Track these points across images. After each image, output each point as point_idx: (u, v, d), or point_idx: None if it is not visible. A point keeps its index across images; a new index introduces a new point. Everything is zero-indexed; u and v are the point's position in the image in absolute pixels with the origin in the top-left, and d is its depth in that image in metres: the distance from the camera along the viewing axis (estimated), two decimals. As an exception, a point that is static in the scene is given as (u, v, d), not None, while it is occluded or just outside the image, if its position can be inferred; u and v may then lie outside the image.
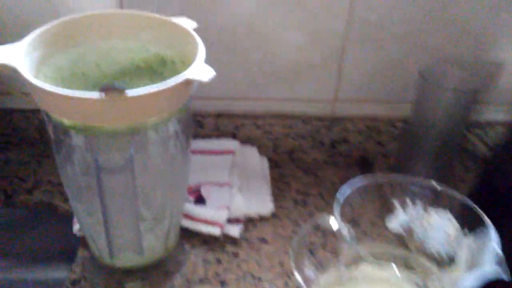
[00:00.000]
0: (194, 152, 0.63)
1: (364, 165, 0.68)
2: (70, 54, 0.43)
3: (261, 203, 0.58)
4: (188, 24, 0.43)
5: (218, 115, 0.66)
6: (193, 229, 0.54)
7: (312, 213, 0.59)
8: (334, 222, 0.36)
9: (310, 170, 0.66)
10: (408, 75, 0.63)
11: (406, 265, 0.41)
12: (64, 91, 0.34)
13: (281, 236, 0.55)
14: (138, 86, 0.36)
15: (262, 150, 0.66)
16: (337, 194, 0.38)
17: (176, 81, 0.35)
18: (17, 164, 0.65)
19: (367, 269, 0.41)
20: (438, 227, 0.38)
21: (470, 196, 0.50)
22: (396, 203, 0.40)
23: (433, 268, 0.39)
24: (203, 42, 0.41)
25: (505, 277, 0.31)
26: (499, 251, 0.32)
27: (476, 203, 0.50)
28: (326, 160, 0.68)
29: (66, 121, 0.36)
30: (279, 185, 0.63)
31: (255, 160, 0.64)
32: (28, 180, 0.62)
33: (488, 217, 0.44)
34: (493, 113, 0.66)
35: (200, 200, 0.57)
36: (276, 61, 0.63)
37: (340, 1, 0.59)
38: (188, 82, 0.36)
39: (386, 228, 0.41)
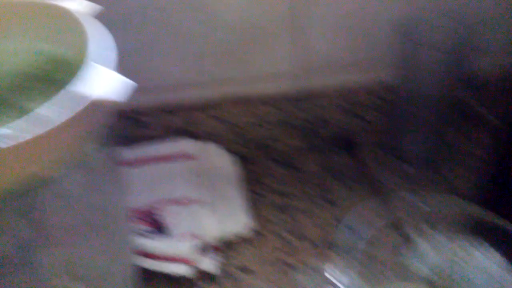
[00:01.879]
0: (139, 162, 0.50)
1: (348, 147, 0.57)
2: None
3: (237, 219, 0.46)
4: (86, 7, 0.28)
5: (165, 110, 0.53)
6: (153, 270, 0.42)
7: (297, 221, 0.48)
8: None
9: (287, 161, 0.55)
10: (385, 30, 0.51)
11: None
12: None
13: (267, 261, 0.44)
14: (30, 107, 0.22)
15: (227, 147, 0.54)
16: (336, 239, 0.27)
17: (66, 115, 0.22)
18: None
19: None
20: (479, 266, 0.28)
21: (484, 178, 0.40)
22: (414, 234, 0.29)
23: None
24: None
25: None
26: None
27: (494, 191, 0.40)
28: (303, 146, 0.57)
29: None
30: (255, 188, 0.51)
31: (223, 162, 0.52)
32: None
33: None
34: (491, 67, 0.56)
35: (156, 228, 0.45)
36: (219, 33, 0.50)
37: None
38: (90, 110, 0.23)
39: (406, 268, 0.30)
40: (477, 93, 0.56)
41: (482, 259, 0.28)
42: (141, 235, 0.43)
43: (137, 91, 0.25)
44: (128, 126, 0.53)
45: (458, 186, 0.50)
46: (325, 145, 0.57)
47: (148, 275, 0.42)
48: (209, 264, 0.42)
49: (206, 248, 0.43)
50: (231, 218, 0.46)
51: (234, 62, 0.52)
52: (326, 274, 0.27)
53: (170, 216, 0.45)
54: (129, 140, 0.52)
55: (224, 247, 0.45)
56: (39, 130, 0.21)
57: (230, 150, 0.53)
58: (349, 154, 0.56)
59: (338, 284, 0.27)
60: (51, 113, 0.22)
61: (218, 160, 0.51)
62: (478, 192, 0.44)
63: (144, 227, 0.44)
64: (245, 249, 0.45)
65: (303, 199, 0.50)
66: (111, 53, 0.26)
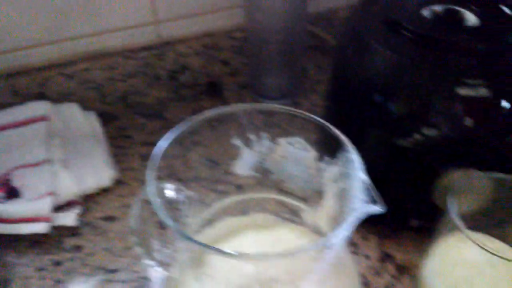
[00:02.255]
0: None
1: (213, 91, 0.58)
2: None
3: (97, 173, 0.45)
4: None
5: (11, 74, 0.50)
6: (11, 233, 0.40)
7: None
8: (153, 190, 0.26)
9: (154, 113, 0.55)
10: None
11: (275, 210, 0.33)
12: None
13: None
14: None
15: (85, 105, 0.52)
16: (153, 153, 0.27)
17: None
18: None
19: (231, 223, 0.32)
20: (294, 159, 0.30)
21: (327, 98, 0.44)
22: (238, 143, 0.31)
23: (303, 207, 0.32)
24: None
25: (378, 209, 0.24)
26: (365, 178, 0.25)
27: (332, 107, 0.43)
28: (169, 96, 0.56)
29: None
30: (120, 142, 0.51)
31: (78, 120, 0.50)
32: None
33: (346, 121, 0.38)
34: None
35: (12, 193, 0.43)
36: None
37: None
38: None
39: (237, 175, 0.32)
40: (325, 24, 0.59)
41: (297, 152, 0.30)
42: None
43: None
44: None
45: (314, 112, 0.53)
46: (190, 92, 0.57)
47: (6, 239, 0.40)
48: (67, 218, 0.41)
49: (63, 204, 0.42)
50: (91, 173, 0.45)
51: (85, 15, 0.50)
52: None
53: (25, 180, 0.43)
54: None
55: (85, 200, 0.44)
56: None
57: (89, 108, 0.52)
58: (215, 98, 0.57)
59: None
60: None
61: (74, 119, 0.50)
62: (327, 113, 0.47)
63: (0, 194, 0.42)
64: (107, 199, 0.44)
65: (170, 146, 0.51)
66: None
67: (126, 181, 0.46)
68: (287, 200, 0.32)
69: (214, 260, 0.27)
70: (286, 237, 0.32)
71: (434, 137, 0.34)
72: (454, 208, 0.28)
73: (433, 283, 0.30)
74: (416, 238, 0.38)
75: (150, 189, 0.26)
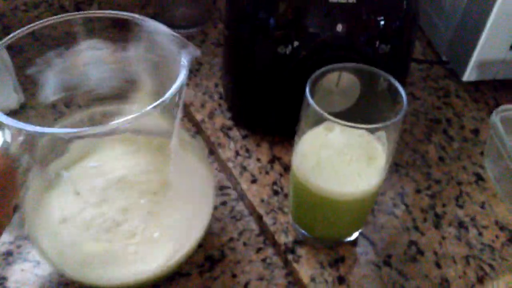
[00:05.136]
0: None
1: (125, 25, 0.59)
2: None
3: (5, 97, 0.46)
4: None
5: None
6: None
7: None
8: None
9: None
10: None
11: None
12: None
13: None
14: None
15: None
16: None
17: None
18: None
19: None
20: (95, 62, 0.32)
21: (226, 22, 0.44)
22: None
23: (115, 107, 0.34)
24: None
25: (192, 50, 0.27)
26: (168, 31, 0.28)
27: (231, 28, 0.47)
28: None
29: None
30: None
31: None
32: None
33: (241, 39, 0.41)
34: None
35: None
36: None
37: None
38: None
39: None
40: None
41: (96, 54, 0.32)
42: None
43: None
44: None
45: (218, 37, 0.56)
46: (99, 25, 0.58)
47: None
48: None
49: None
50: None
51: None
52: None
53: None
54: None
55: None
56: None
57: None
58: (124, 30, 0.58)
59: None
60: None
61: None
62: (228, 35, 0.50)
63: None
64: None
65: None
66: None
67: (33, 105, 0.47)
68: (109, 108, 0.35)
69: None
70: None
71: (309, 43, 0.38)
72: (313, 99, 0.33)
73: (301, 166, 0.35)
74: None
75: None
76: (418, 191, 0.44)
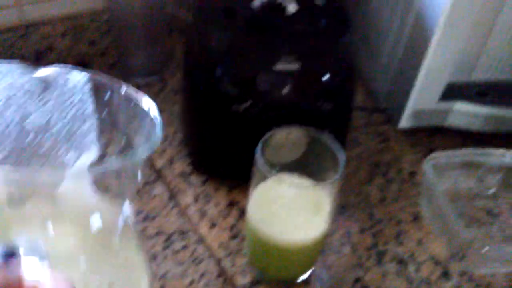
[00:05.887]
0: None
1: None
2: None
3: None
4: None
5: None
6: None
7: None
8: None
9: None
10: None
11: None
12: None
13: None
14: None
15: None
16: None
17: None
18: None
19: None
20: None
21: (183, 73, 0.47)
22: None
23: None
24: None
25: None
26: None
27: (187, 80, 0.50)
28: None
29: None
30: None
31: None
32: None
33: (195, 94, 0.45)
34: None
35: None
36: None
37: None
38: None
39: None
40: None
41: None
42: None
43: None
44: None
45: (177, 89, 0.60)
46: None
47: None
48: None
49: None
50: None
51: None
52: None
53: None
54: None
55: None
56: None
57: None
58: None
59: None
60: None
61: None
62: (184, 86, 0.54)
63: None
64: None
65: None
66: None
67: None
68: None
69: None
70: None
71: (260, 103, 0.42)
72: (264, 158, 0.36)
73: (255, 215, 0.38)
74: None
75: None
76: (362, 231, 0.48)
